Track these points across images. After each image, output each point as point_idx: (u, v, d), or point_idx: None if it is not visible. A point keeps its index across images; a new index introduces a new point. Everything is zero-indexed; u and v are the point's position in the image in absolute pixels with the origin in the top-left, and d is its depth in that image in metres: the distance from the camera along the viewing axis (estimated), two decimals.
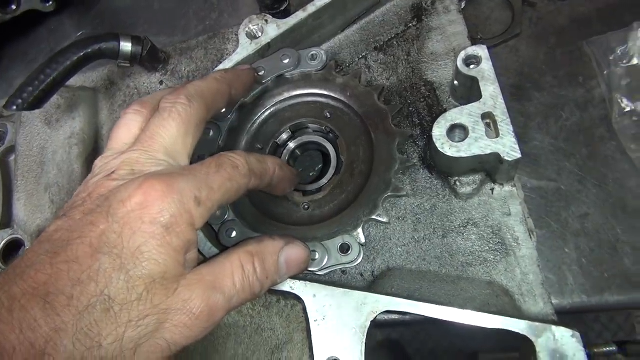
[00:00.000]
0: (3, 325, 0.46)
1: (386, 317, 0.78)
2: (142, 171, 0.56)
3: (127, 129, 0.61)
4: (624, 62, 0.84)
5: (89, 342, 0.47)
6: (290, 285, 0.68)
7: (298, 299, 0.69)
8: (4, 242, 0.85)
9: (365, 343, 0.65)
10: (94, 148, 0.86)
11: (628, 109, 0.83)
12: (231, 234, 0.74)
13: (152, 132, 0.59)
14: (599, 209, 0.81)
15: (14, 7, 1.06)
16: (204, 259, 0.59)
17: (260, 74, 0.80)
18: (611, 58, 0.85)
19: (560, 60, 0.90)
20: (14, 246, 0.86)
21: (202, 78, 0.67)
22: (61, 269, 0.48)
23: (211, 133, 0.80)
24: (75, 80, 0.94)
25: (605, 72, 0.85)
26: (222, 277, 0.56)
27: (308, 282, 0.68)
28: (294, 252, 0.64)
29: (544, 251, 0.81)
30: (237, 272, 0.57)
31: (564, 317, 0.71)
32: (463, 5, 0.95)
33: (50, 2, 1.10)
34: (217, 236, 0.75)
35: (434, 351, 2.61)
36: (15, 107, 0.76)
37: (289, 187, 0.74)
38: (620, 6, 0.89)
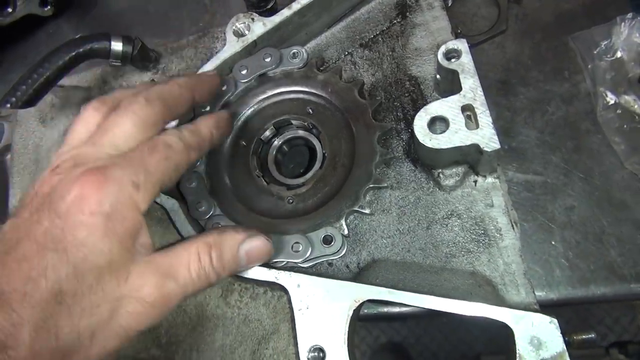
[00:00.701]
0: None
1: (375, 310, 0.80)
2: (84, 164, 0.56)
3: (84, 124, 0.62)
4: (608, 56, 0.85)
5: (47, 334, 0.49)
6: (275, 276, 0.69)
7: (284, 289, 0.70)
8: None
9: (349, 332, 0.65)
10: None
11: (612, 102, 0.83)
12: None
13: (105, 128, 0.60)
14: (585, 202, 0.82)
15: (9, 9, 1.08)
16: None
17: (243, 72, 0.82)
18: (595, 52, 0.86)
19: (546, 56, 0.91)
20: None
21: (164, 82, 0.68)
22: (13, 267, 0.51)
23: None
24: (69, 80, 0.97)
25: (589, 66, 0.86)
26: (177, 266, 0.58)
27: (293, 273, 0.69)
28: (255, 245, 0.65)
29: (531, 244, 0.81)
30: (193, 261, 0.59)
31: (552, 309, 0.72)
32: (450, 3, 0.96)
33: (48, 7, 1.12)
34: (204, 231, 0.77)
35: (436, 354, 2.61)
36: (9, 105, 0.78)
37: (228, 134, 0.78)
38: (604, 1, 0.90)
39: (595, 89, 0.85)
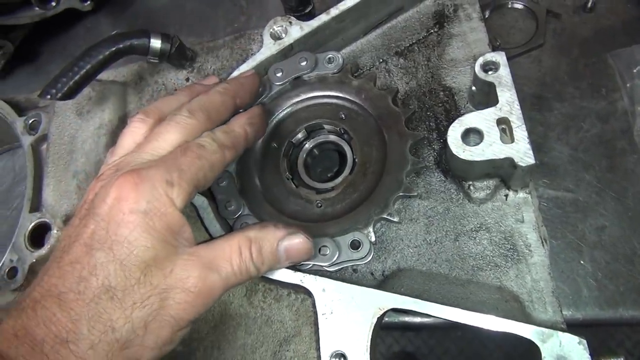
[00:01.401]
0: (31, 322, 0.53)
1: (396, 319, 0.80)
2: (123, 169, 0.60)
3: (131, 136, 0.66)
4: None
5: (103, 327, 0.53)
6: (301, 279, 0.69)
7: (308, 293, 0.70)
8: (32, 225, 0.88)
9: (372, 339, 0.65)
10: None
11: None
12: None
13: (150, 139, 0.64)
14: (617, 222, 0.80)
15: (53, 3, 1.11)
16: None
17: (278, 75, 0.83)
18: (635, 71, 0.84)
19: (583, 72, 0.90)
20: (42, 229, 0.90)
21: (205, 92, 0.71)
22: (67, 270, 0.55)
23: None
24: (106, 74, 0.99)
25: (628, 85, 0.85)
26: (219, 259, 0.60)
27: (318, 277, 0.69)
28: (294, 243, 0.66)
29: (559, 262, 0.80)
30: (234, 255, 0.61)
31: (577, 329, 0.71)
32: (487, 14, 0.96)
33: (88, 2, 1.15)
34: (232, 230, 0.78)
35: None
36: (49, 96, 0.80)
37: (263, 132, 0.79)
38: None
39: (633, 107, 0.84)
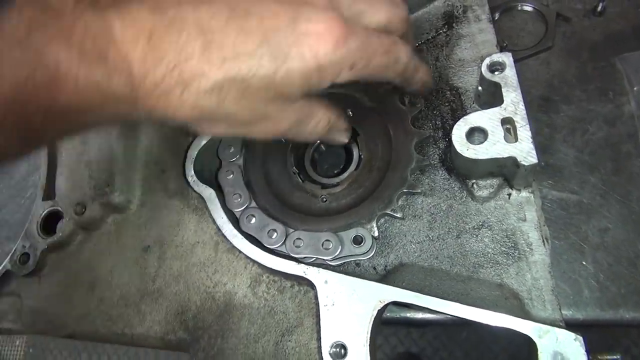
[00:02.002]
0: None
1: (397, 315, 0.80)
2: None
3: None
4: None
5: None
6: (304, 270, 0.71)
7: (311, 284, 0.71)
8: (44, 212, 0.91)
9: (372, 331, 0.67)
10: (132, 130, 0.92)
11: None
12: (251, 220, 0.78)
13: None
14: (620, 225, 0.81)
15: None
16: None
17: None
18: None
19: (591, 75, 0.90)
20: (54, 217, 0.92)
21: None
22: None
23: None
24: None
25: (635, 89, 0.85)
26: None
27: (321, 269, 0.71)
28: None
29: (561, 263, 0.81)
30: None
31: (577, 329, 0.71)
32: (497, 16, 0.96)
33: None
34: (237, 222, 0.79)
35: None
36: None
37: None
38: None
39: None
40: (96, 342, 0.80)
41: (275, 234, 0.77)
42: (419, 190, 0.76)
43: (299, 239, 0.76)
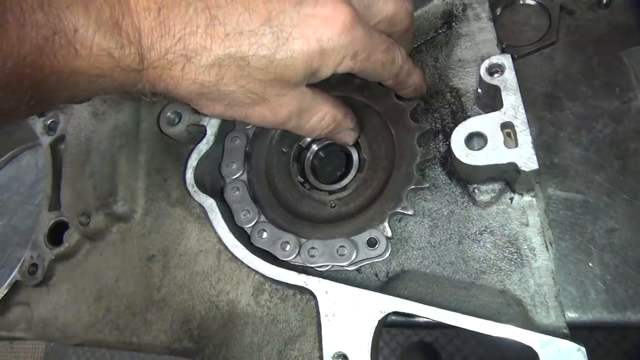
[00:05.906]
0: None
1: (401, 319, 0.80)
2: None
3: None
4: None
5: None
6: (305, 281, 0.71)
7: (312, 294, 0.71)
8: (50, 223, 0.92)
9: (373, 341, 0.67)
10: (134, 140, 0.92)
11: None
12: (262, 235, 0.78)
13: None
14: (628, 225, 0.79)
15: None
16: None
17: None
18: None
19: (597, 70, 0.87)
20: (60, 228, 0.93)
21: None
22: None
23: (237, 141, 0.84)
24: None
25: None
26: None
27: (322, 279, 0.71)
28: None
29: (567, 264, 0.79)
30: None
31: (582, 332, 0.70)
32: (499, 11, 0.94)
33: None
34: (249, 238, 0.80)
35: (467, 358, 2.58)
36: None
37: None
38: None
39: None
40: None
41: (289, 245, 0.77)
42: (427, 185, 0.75)
43: (313, 248, 0.75)
